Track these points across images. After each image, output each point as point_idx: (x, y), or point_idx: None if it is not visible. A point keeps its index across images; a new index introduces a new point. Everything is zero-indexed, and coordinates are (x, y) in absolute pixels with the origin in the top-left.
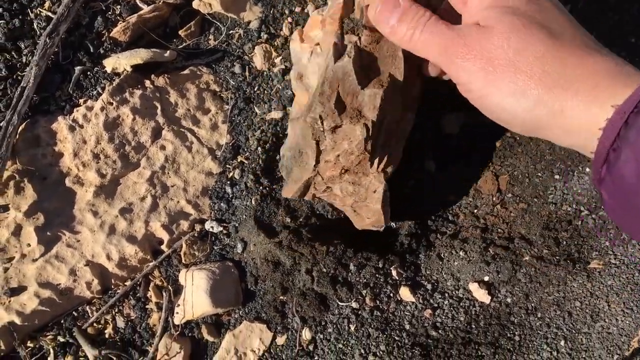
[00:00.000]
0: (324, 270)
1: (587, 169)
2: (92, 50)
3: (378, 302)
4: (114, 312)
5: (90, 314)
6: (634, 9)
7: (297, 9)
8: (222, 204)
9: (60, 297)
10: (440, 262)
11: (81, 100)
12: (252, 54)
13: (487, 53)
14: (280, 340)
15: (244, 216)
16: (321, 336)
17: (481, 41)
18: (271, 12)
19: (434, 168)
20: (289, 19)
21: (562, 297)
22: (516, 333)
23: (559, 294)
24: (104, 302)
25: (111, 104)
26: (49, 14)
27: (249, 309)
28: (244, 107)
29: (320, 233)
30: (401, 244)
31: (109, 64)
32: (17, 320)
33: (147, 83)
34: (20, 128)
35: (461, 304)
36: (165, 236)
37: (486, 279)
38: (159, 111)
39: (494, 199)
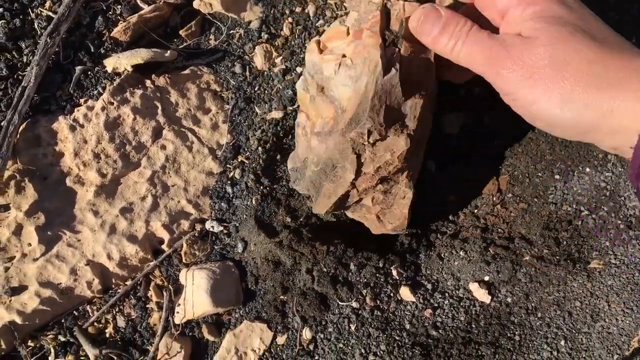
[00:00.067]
0: (325, 269)
1: (587, 169)
2: (92, 50)
3: (378, 301)
4: (114, 312)
5: (90, 314)
6: (634, 9)
7: (298, 9)
8: (222, 204)
9: (60, 296)
10: (441, 262)
11: (82, 100)
12: (253, 53)
13: (533, 63)
14: (281, 339)
15: (245, 216)
16: (321, 336)
17: (526, 52)
18: (272, 12)
19: (434, 168)
20: (290, 19)
21: (562, 297)
22: (516, 333)
23: (559, 294)
24: (104, 302)
25: (112, 103)
26: (50, 13)
27: (250, 309)
28: (245, 107)
29: (321, 233)
30: (401, 244)
31: (110, 63)
32: (18, 320)
33: (148, 83)
34: (21, 128)
35: (461, 304)
36: (165, 236)
37: (486, 278)
38: (159, 111)
39: (494, 198)
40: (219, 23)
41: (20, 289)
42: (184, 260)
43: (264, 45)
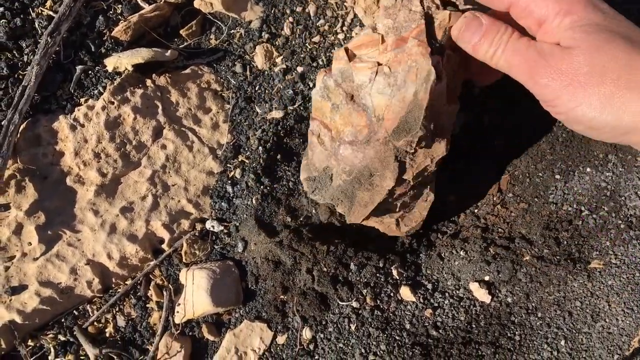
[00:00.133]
0: (325, 269)
1: (588, 169)
2: (93, 50)
3: (378, 301)
4: (114, 311)
5: (90, 313)
6: (635, 9)
7: (299, 9)
8: (222, 203)
9: (60, 296)
10: (441, 262)
11: (82, 100)
12: (253, 53)
13: (573, 71)
14: (281, 339)
15: (245, 215)
16: (322, 335)
17: (565, 61)
18: (272, 11)
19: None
20: (290, 19)
21: (562, 297)
22: (516, 333)
23: (559, 294)
24: (104, 301)
25: (112, 103)
26: (51, 13)
27: (250, 308)
28: (245, 106)
29: (321, 232)
30: (402, 244)
31: (110, 63)
32: (18, 319)
33: (148, 82)
34: (22, 127)
35: (462, 304)
36: (166, 235)
37: (487, 278)
38: (160, 110)
39: (495, 198)
40: (219, 22)
41: (21, 288)
42: (184, 260)
43: (264, 45)
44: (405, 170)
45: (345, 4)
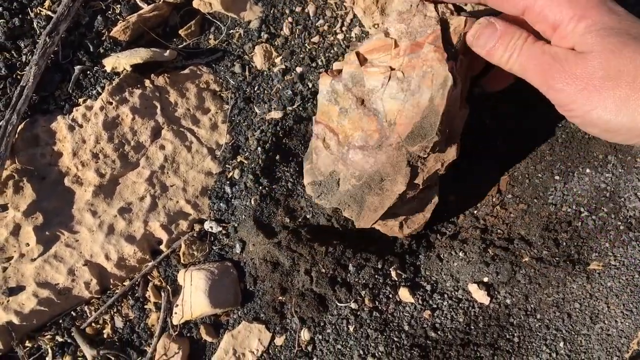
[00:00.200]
0: (323, 270)
1: (587, 170)
2: (92, 50)
3: (377, 302)
4: (112, 312)
5: (88, 314)
6: (635, 10)
7: (298, 9)
8: (221, 204)
9: (58, 296)
10: (440, 263)
11: (81, 100)
12: (252, 53)
13: (587, 76)
14: (279, 340)
15: (244, 216)
16: (320, 337)
17: (580, 65)
18: (271, 11)
19: None
20: (290, 19)
21: (561, 299)
22: (515, 334)
23: (558, 295)
24: (102, 302)
25: (111, 103)
26: (49, 13)
27: (248, 310)
28: (244, 106)
29: (319, 233)
30: (401, 245)
31: (109, 63)
32: (16, 320)
33: (147, 82)
34: (20, 127)
35: (460, 305)
36: (164, 236)
37: (485, 280)
38: (158, 111)
39: (494, 199)
40: (218, 23)
41: (18, 289)
42: (182, 261)
43: (263, 45)
44: (417, 175)
45: (344, 4)
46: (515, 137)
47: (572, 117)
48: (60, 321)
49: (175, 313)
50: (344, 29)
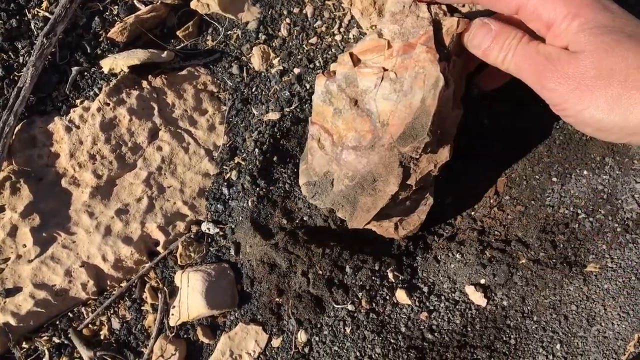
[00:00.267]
0: (320, 272)
1: (585, 172)
2: (89, 51)
3: (374, 304)
4: (109, 314)
5: (85, 315)
6: (636, 10)
7: (296, 10)
8: (218, 206)
9: (55, 298)
10: (437, 265)
11: (78, 101)
12: (250, 54)
13: (580, 75)
14: (276, 342)
15: (241, 218)
16: (317, 338)
17: (572, 65)
18: (269, 12)
19: None
20: (287, 20)
21: (558, 301)
22: (512, 336)
23: (555, 298)
24: (99, 304)
25: (108, 104)
26: (47, 14)
27: (245, 311)
28: (242, 108)
29: (316, 235)
30: (398, 246)
31: (106, 64)
32: (12, 321)
33: (144, 84)
34: (17, 128)
35: (457, 307)
36: (161, 237)
37: (482, 281)
38: (155, 112)
39: (492, 201)
40: (216, 24)
41: (15, 290)
42: (179, 262)
43: (261, 46)
44: (410, 176)
45: (342, 5)
46: (513, 139)
47: (565, 116)
48: (57, 322)
49: (172, 314)
50: (341, 30)
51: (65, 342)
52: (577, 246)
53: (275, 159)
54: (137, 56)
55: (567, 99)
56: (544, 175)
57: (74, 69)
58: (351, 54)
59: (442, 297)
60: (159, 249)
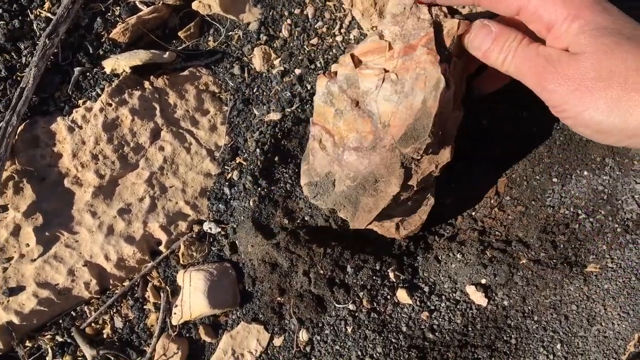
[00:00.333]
0: (321, 272)
1: (585, 172)
2: (91, 52)
3: (375, 304)
4: (112, 313)
5: (88, 314)
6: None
7: (297, 11)
8: (220, 205)
9: (58, 297)
10: (438, 265)
11: (80, 101)
12: (251, 55)
13: (580, 76)
14: (278, 341)
15: (242, 217)
16: (318, 338)
17: (572, 66)
18: (270, 13)
19: None
20: (288, 21)
21: (558, 301)
22: (513, 336)
23: (555, 298)
24: (102, 302)
25: (110, 105)
26: (49, 15)
27: (247, 310)
28: (243, 108)
29: (318, 235)
30: (399, 246)
31: (108, 65)
32: (16, 320)
33: (146, 84)
34: (20, 129)
35: (458, 307)
36: (163, 237)
37: (483, 281)
38: (157, 112)
39: (492, 201)
40: (217, 24)
41: (18, 289)
42: (181, 262)
43: (262, 47)
44: (411, 177)
45: (343, 6)
46: (513, 140)
47: (564, 118)
48: (60, 321)
49: (175, 313)
50: (342, 31)
51: (68, 340)
52: (577, 246)
53: (276, 159)
54: (139, 57)
55: (567, 100)
56: (544, 175)
57: (77, 70)
58: (352, 55)
59: (443, 297)
60: (161, 248)
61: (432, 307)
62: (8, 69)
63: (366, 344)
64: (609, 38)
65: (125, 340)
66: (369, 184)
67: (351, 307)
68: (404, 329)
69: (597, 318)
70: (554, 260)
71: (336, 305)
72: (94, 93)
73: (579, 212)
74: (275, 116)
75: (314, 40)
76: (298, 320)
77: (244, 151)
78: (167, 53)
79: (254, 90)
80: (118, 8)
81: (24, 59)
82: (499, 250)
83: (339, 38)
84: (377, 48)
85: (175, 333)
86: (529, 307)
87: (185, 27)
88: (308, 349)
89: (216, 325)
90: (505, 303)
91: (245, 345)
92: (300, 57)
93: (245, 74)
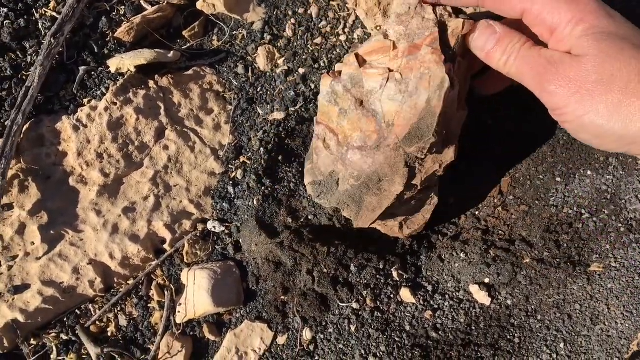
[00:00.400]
0: (325, 270)
1: (589, 172)
2: (96, 51)
3: (379, 303)
4: (116, 311)
5: (93, 312)
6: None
7: (301, 11)
8: (224, 204)
9: (63, 295)
10: (441, 264)
11: (85, 100)
12: (256, 54)
13: (581, 79)
14: (281, 340)
15: (246, 216)
16: (322, 336)
17: (574, 68)
18: (275, 13)
19: None
20: (292, 20)
21: (562, 300)
22: (516, 335)
23: (559, 297)
24: (106, 301)
25: (115, 104)
26: (54, 14)
27: (250, 309)
28: (247, 107)
29: (322, 234)
30: (402, 245)
31: (113, 64)
32: (21, 318)
33: (151, 83)
34: (25, 127)
35: (461, 306)
36: (167, 235)
37: (487, 280)
38: (162, 111)
39: (496, 200)
40: (222, 24)
41: (23, 287)
42: (185, 260)
43: (266, 47)
44: (415, 176)
45: (347, 6)
46: (517, 139)
47: (564, 122)
48: (65, 319)
49: (179, 312)
50: (346, 30)
51: (73, 338)
52: (580, 246)
53: (280, 158)
54: (143, 56)
55: (568, 102)
56: (548, 175)
57: (82, 69)
58: (357, 55)
59: (447, 296)
60: (166, 247)
61: (436, 306)
62: (13, 68)
63: (370, 342)
64: (613, 43)
65: (129, 339)
66: (372, 183)
67: (355, 305)
68: (408, 327)
69: (600, 317)
70: (558, 260)
71: (340, 304)
72: (99, 92)
73: (583, 211)
74: (279, 115)
75: (318, 40)
76: (302, 319)
77: (248, 150)
78: (172, 52)
79: (258, 90)
80: (123, 7)
81: (29, 57)
82: (502, 250)
83: (342, 37)
84: (381, 47)
85: (180, 331)
86: (533, 307)
87: (189, 26)
88: (312, 347)
89: (220, 323)
90: (509, 302)
91: (249, 343)
92: (304, 57)
93: (250, 74)
